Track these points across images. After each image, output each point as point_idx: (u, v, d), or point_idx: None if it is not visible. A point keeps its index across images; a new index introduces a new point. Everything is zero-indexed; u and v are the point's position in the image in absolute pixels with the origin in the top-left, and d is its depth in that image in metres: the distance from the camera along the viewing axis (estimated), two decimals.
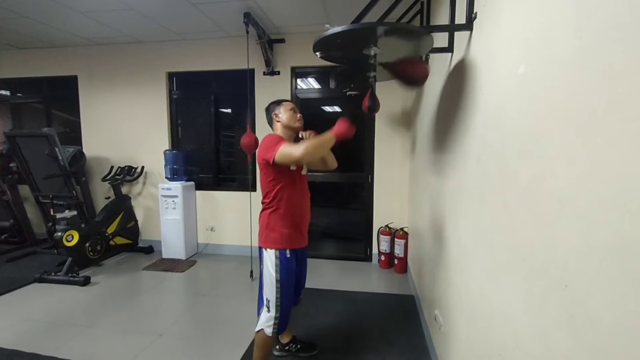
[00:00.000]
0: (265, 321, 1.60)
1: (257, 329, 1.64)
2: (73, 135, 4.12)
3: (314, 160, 1.51)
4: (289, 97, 3.52)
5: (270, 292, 1.58)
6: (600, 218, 0.58)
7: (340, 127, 1.48)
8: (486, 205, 1.13)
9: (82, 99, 3.98)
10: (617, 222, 0.54)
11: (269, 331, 1.60)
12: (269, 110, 1.73)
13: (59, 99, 4.22)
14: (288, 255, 1.59)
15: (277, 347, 1.97)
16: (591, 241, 0.60)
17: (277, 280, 1.57)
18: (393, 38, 1.32)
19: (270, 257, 1.58)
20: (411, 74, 1.53)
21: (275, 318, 1.58)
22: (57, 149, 3.19)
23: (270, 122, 1.73)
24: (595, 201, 0.59)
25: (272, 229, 1.59)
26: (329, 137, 1.46)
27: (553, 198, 0.72)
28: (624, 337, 0.52)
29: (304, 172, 1.68)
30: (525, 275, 0.84)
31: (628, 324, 0.51)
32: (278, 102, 1.72)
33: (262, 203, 1.65)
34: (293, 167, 1.59)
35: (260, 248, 1.64)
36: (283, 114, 1.67)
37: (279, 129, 1.68)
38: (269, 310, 1.59)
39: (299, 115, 1.72)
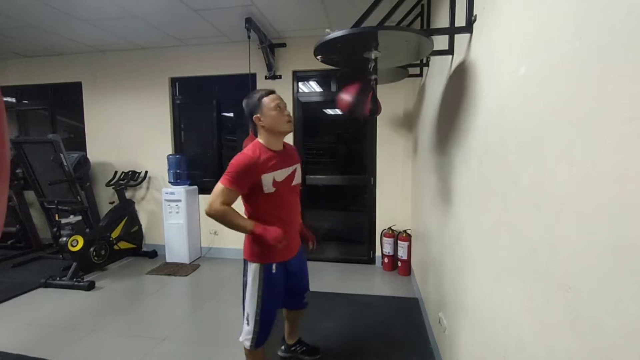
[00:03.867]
0: (245, 334, 1.54)
1: (240, 339, 1.59)
2: (77, 141, 4.17)
3: (214, 219, 1.37)
4: (290, 101, 3.53)
5: (250, 306, 1.50)
6: (601, 219, 0.58)
7: (268, 233, 1.36)
8: (488, 206, 1.12)
9: (86, 105, 4.03)
10: (619, 223, 0.54)
11: (247, 344, 1.54)
12: (249, 108, 1.42)
13: (63, 105, 4.27)
14: (273, 270, 1.49)
15: (283, 347, 1.96)
16: (593, 242, 0.60)
17: (258, 296, 1.48)
18: (393, 41, 1.32)
19: (253, 270, 1.49)
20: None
21: (254, 332, 1.51)
22: (62, 155, 3.21)
23: (254, 126, 1.45)
24: (596, 202, 0.59)
25: (256, 243, 1.47)
26: (247, 225, 1.37)
27: (554, 199, 0.72)
28: (628, 339, 0.52)
29: (294, 183, 1.51)
30: (528, 276, 0.84)
31: (631, 325, 0.51)
32: (258, 98, 1.39)
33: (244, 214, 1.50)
34: (270, 189, 1.40)
35: (244, 259, 1.55)
36: (266, 116, 1.38)
37: (262, 134, 1.43)
38: (247, 324, 1.52)
39: (287, 113, 1.42)
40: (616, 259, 0.54)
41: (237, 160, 1.36)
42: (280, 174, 1.44)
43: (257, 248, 1.49)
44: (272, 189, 1.41)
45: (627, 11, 0.53)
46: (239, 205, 1.39)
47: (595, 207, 0.59)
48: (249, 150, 1.40)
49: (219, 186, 1.35)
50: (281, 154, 1.48)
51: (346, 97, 1.45)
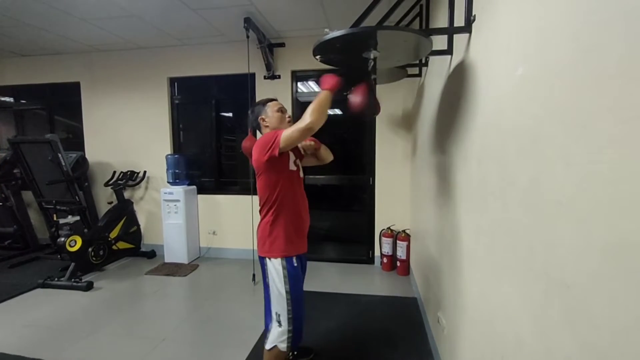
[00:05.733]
0: (278, 336, 1.49)
1: (268, 347, 1.51)
2: (76, 140, 4.16)
3: (321, 123, 1.35)
4: (289, 101, 3.54)
5: (279, 305, 1.47)
6: (599, 218, 0.58)
7: (328, 80, 1.42)
8: (487, 206, 1.13)
9: (84, 105, 4.02)
10: (616, 222, 0.54)
11: (283, 347, 1.48)
12: (254, 112, 1.59)
13: (61, 105, 4.26)
14: (295, 264, 1.51)
15: None
16: (590, 241, 0.60)
17: (286, 292, 1.46)
18: (392, 41, 1.32)
19: (275, 267, 1.48)
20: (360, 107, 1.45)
21: (289, 332, 1.48)
22: (60, 155, 3.20)
23: (258, 127, 1.60)
24: (593, 201, 0.59)
25: (277, 237, 1.49)
26: (324, 94, 1.39)
27: (552, 199, 0.72)
28: (625, 337, 0.52)
29: (301, 174, 1.62)
30: (526, 276, 0.84)
31: (629, 323, 0.51)
32: (263, 103, 1.59)
33: (261, 212, 1.54)
34: (293, 167, 1.52)
35: (262, 259, 1.53)
36: (270, 117, 1.55)
37: None
38: (280, 325, 1.48)
39: (288, 115, 1.59)
40: (613, 257, 0.54)
41: (264, 135, 1.47)
42: (293, 159, 1.56)
43: (278, 242, 1.49)
44: (294, 167, 1.54)
45: (624, 11, 0.53)
46: (257, 207, 1.36)
47: (592, 207, 0.59)
48: (268, 132, 1.52)
49: (284, 133, 1.37)
50: None
51: (356, 98, 1.47)
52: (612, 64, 0.56)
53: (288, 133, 1.36)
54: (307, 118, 1.32)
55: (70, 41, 3.55)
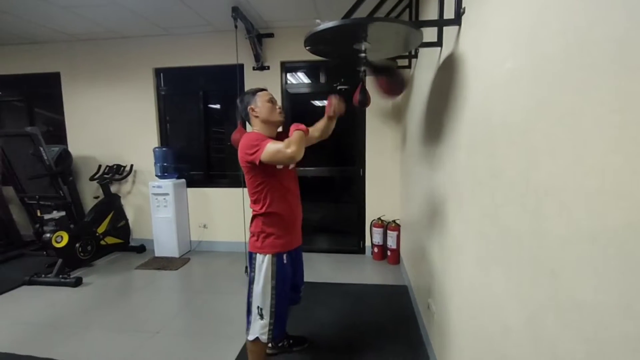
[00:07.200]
0: (260, 329, 1.53)
1: (250, 338, 1.55)
2: (57, 134, 4.02)
3: (301, 156, 1.36)
4: (279, 92, 3.50)
5: (263, 299, 1.50)
6: (584, 207, 0.61)
7: (333, 99, 1.55)
8: (476, 196, 1.16)
9: (65, 97, 3.88)
10: (600, 212, 0.57)
11: (264, 338, 1.53)
12: (243, 102, 1.54)
13: (41, 96, 4.10)
14: (284, 261, 1.52)
15: (270, 345, 1.92)
16: (575, 230, 0.63)
17: (272, 288, 1.49)
18: (383, 33, 1.32)
19: (265, 263, 1.49)
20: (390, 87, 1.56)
21: (270, 324, 1.52)
22: (41, 149, 3.10)
23: (247, 117, 1.55)
24: (578, 192, 0.62)
25: (267, 234, 1.50)
26: (322, 121, 1.50)
27: (539, 189, 0.75)
28: (609, 322, 0.55)
29: (291, 166, 1.58)
30: (514, 263, 0.87)
31: (613, 309, 0.55)
32: (253, 93, 1.54)
33: (252, 209, 1.53)
34: (280, 166, 1.48)
35: (251, 253, 1.54)
36: (260, 107, 1.51)
37: (257, 125, 1.53)
38: (262, 318, 1.52)
39: (278, 106, 1.56)
40: (598, 245, 0.57)
41: (250, 135, 1.45)
42: None
43: (268, 240, 1.50)
44: (281, 165, 1.48)
45: (611, 8, 0.55)
46: (247, 200, 1.37)
47: (577, 197, 0.62)
48: (254, 132, 1.51)
49: (269, 147, 1.34)
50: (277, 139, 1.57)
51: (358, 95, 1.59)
52: (599, 57, 0.58)
53: (272, 151, 1.33)
54: (292, 147, 1.32)
55: (50, 30, 3.40)
